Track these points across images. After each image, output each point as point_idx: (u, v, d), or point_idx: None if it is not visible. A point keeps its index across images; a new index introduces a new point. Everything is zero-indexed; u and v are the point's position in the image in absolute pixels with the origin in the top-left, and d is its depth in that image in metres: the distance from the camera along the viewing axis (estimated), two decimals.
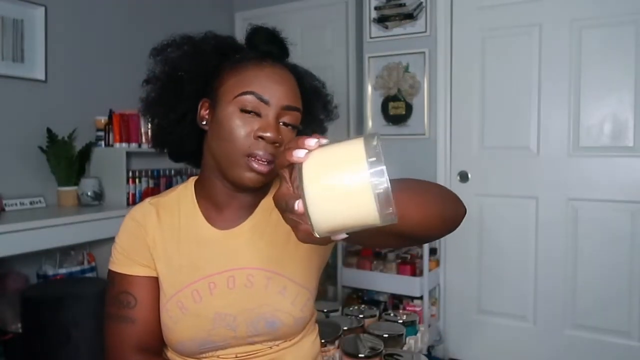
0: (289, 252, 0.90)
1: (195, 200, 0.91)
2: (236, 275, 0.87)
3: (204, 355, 0.88)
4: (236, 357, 0.89)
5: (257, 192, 0.90)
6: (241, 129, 0.80)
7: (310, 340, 0.97)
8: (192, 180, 0.95)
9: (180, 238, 0.89)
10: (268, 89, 0.80)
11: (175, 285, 0.86)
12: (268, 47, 0.85)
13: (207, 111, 0.86)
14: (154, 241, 0.88)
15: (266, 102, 0.80)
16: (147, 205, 0.92)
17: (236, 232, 0.90)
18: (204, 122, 0.86)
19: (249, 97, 0.80)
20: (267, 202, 0.92)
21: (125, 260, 0.88)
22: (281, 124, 0.82)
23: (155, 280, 0.88)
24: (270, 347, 0.89)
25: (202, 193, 0.91)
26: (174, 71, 0.86)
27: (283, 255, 0.90)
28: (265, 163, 0.80)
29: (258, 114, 0.80)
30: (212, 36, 0.89)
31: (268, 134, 0.78)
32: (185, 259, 0.87)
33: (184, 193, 0.93)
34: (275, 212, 0.91)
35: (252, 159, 0.79)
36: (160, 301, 0.88)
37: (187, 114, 0.88)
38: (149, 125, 0.91)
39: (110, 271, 0.89)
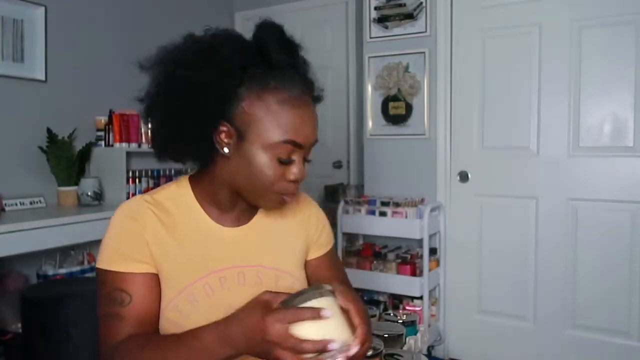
0: (289, 249, 0.96)
1: (195, 199, 0.90)
2: (246, 272, 0.89)
3: None
4: None
5: None
6: (275, 174, 0.82)
7: None
8: (184, 179, 0.93)
9: (181, 234, 0.87)
10: (302, 132, 0.81)
11: (184, 280, 0.85)
12: (280, 55, 0.82)
13: (230, 139, 0.82)
14: (154, 237, 0.85)
15: (300, 147, 0.82)
16: (141, 201, 0.89)
17: (244, 230, 0.92)
18: (225, 149, 0.82)
19: (286, 145, 0.80)
20: None
21: (118, 257, 0.83)
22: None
23: (153, 277, 0.85)
24: None
25: (203, 195, 0.90)
26: (191, 85, 0.79)
27: (287, 253, 0.95)
28: (293, 195, 0.85)
29: (292, 160, 0.82)
30: (230, 43, 0.81)
31: (299, 177, 0.83)
32: (192, 254, 0.86)
33: (179, 191, 0.91)
34: (278, 212, 0.95)
35: (283, 195, 0.84)
36: (165, 298, 0.85)
37: (203, 131, 0.82)
38: (150, 128, 0.86)
39: (100, 270, 0.84)
